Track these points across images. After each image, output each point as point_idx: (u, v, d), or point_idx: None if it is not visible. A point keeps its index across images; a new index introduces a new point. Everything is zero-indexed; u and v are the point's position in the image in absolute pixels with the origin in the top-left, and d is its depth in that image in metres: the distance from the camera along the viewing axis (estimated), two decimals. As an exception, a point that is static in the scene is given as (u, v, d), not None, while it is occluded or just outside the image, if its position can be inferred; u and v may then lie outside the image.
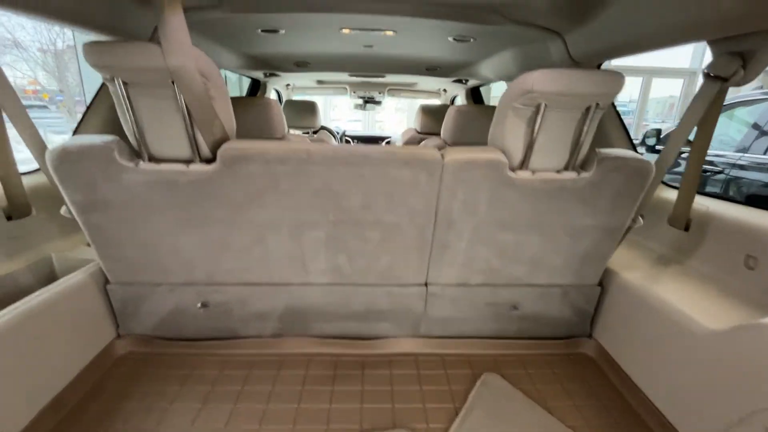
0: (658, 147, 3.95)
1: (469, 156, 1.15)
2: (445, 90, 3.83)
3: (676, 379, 1.10)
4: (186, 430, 1.08)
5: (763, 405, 0.83)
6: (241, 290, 1.36)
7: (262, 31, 1.65)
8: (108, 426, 1.09)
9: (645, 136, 4.07)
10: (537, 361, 1.43)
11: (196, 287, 1.34)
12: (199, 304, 1.36)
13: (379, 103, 4.29)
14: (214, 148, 1.12)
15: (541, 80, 1.02)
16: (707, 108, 1.11)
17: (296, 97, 4.42)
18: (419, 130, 3.10)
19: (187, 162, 1.13)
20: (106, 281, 1.33)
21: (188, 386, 1.24)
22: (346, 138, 4.33)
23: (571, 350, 1.49)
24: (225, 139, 1.14)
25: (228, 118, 1.16)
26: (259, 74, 2.95)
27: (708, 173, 3.42)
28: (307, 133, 3.31)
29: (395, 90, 3.93)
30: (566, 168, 1.20)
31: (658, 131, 4.10)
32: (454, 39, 1.71)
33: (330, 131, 4.24)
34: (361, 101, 4.25)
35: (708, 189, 3.40)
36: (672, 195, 1.44)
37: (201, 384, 1.25)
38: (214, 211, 1.18)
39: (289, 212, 1.20)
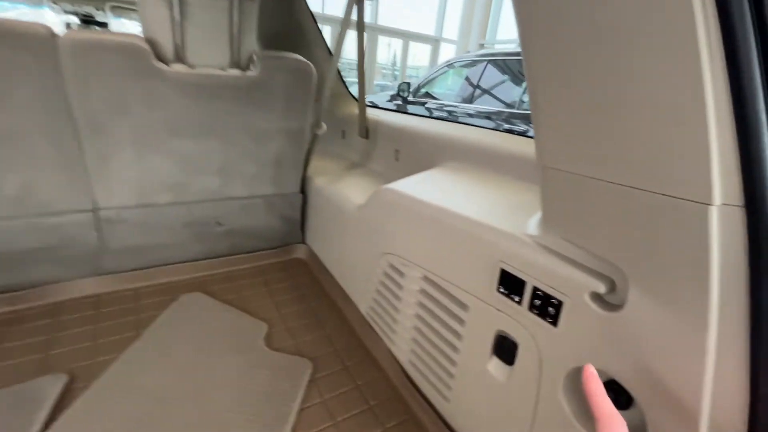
0: (410, 99, 4.68)
1: (94, 37, 0.95)
2: None
3: (345, 254, 1.28)
4: None
5: (385, 249, 1.03)
6: None
7: None
8: None
9: (399, 89, 4.73)
10: (249, 273, 1.45)
11: None
12: None
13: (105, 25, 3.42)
14: None
15: None
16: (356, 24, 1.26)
17: None
18: None
19: None
20: None
21: None
22: None
23: (286, 257, 1.59)
24: None
25: None
26: None
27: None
28: None
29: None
30: (231, 67, 1.16)
31: (408, 84, 4.83)
32: None
33: None
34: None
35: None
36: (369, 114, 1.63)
37: None
38: None
39: None
